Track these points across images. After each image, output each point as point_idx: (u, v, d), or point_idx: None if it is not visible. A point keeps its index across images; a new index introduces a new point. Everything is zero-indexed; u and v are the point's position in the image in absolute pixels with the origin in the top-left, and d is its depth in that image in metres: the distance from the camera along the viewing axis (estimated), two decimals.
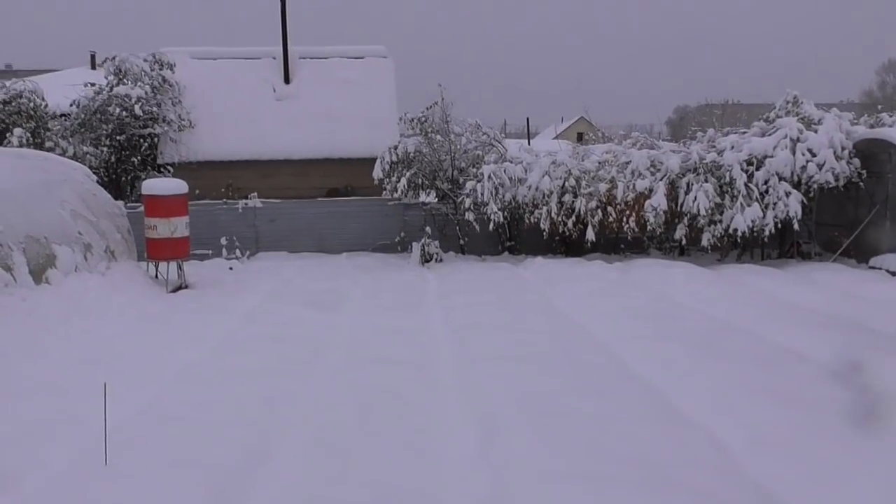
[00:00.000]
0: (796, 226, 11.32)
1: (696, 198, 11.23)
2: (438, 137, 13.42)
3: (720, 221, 11.31)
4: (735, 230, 11.10)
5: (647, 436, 4.43)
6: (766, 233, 11.29)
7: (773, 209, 11.10)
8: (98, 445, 4.10)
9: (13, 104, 14.20)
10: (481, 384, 5.53)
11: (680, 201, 11.57)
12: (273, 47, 16.86)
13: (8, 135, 13.71)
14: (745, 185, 11.25)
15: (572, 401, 5.01)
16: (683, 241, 12.05)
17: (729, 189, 11.38)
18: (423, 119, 13.57)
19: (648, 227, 11.70)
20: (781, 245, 12.46)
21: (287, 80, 16.58)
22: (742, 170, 11.36)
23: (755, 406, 4.88)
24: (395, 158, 13.02)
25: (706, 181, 11.44)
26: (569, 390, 5.24)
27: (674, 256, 12.59)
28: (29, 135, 13.82)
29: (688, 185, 11.57)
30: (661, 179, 11.75)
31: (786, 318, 7.39)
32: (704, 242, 11.50)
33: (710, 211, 11.22)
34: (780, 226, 11.40)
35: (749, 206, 11.06)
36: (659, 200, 11.40)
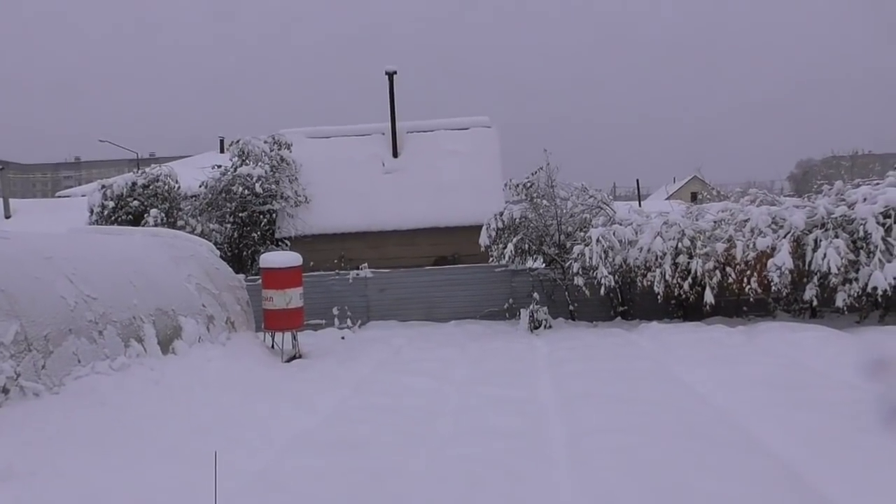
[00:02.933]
0: None
1: (825, 255, 10.40)
2: (544, 202, 13.34)
3: (856, 279, 10.39)
4: (874, 288, 10.13)
5: None
6: None
7: None
8: None
9: (150, 188, 15.57)
10: (596, 458, 5.21)
11: (807, 259, 10.76)
12: (382, 123, 17.64)
13: (146, 215, 14.99)
14: (883, 239, 10.32)
15: (695, 477, 4.61)
16: (814, 302, 11.14)
17: (864, 244, 10.49)
18: (529, 184, 13.57)
19: (773, 288, 10.91)
20: None
21: (395, 154, 17.21)
22: (878, 223, 10.45)
23: None
24: (500, 225, 13.04)
25: (836, 237, 10.61)
26: (691, 466, 4.82)
27: (804, 319, 11.62)
28: (163, 215, 15.05)
29: (815, 241, 10.77)
30: (784, 237, 11.02)
31: None
32: (839, 303, 10.56)
33: (842, 268, 10.34)
34: None
35: (889, 262, 10.10)
36: (783, 259, 10.65)
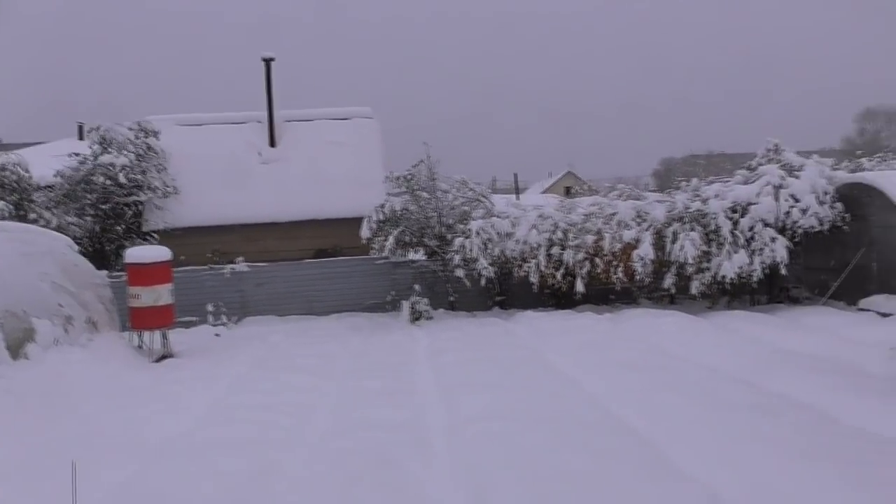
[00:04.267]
0: (784, 271, 11.33)
1: (682, 246, 11.25)
2: (425, 195, 13.47)
3: (708, 269, 11.31)
4: (723, 277, 11.09)
5: (643, 491, 4.29)
6: (755, 279, 11.28)
7: (760, 255, 11.12)
8: None
9: None
10: (474, 445, 5.37)
11: (667, 250, 11.59)
12: (258, 112, 17.06)
13: None
14: (731, 232, 11.30)
15: (566, 458, 4.86)
16: (673, 290, 12.02)
17: (715, 237, 11.43)
18: (410, 177, 13.64)
19: (637, 277, 11.68)
20: (770, 290, 12.44)
21: (273, 144, 16.73)
22: (727, 217, 11.43)
23: (753, 457, 4.74)
24: (382, 217, 13.03)
25: (692, 230, 11.49)
26: (563, 448, 5.09)
27: (664, 305, 12.53)
28: (12, 207, 13.77)
29: (674, 234, 11.61)
30: (647, 229, 11.80)
31: (779, 364, 7.30)
32: (694, 290, 11.47)
33: (697, 259, 11.23)
34: (767, 271, 11.40)
35: (736, 252, 11.09)
36: (646, 250, 11.42)
